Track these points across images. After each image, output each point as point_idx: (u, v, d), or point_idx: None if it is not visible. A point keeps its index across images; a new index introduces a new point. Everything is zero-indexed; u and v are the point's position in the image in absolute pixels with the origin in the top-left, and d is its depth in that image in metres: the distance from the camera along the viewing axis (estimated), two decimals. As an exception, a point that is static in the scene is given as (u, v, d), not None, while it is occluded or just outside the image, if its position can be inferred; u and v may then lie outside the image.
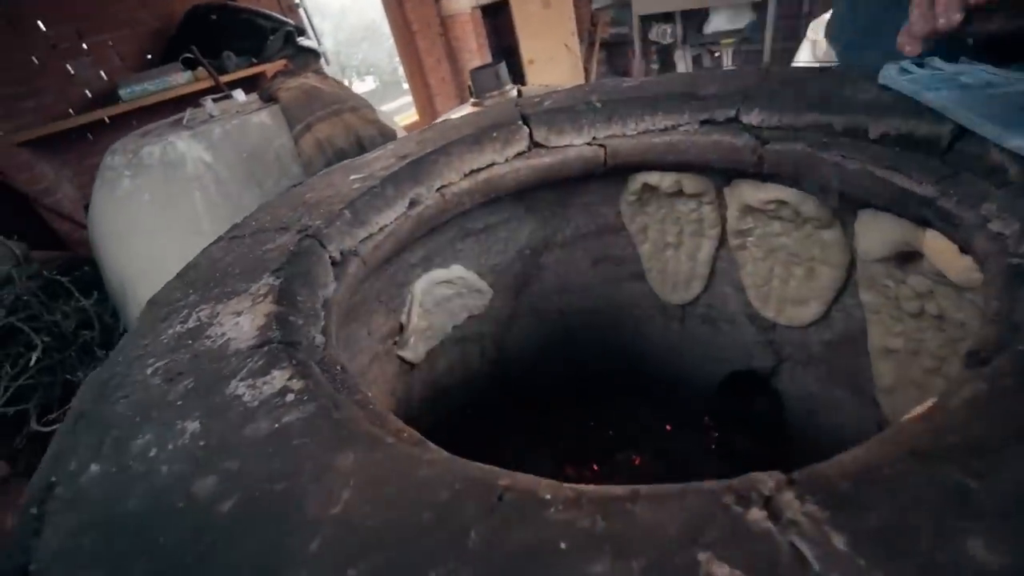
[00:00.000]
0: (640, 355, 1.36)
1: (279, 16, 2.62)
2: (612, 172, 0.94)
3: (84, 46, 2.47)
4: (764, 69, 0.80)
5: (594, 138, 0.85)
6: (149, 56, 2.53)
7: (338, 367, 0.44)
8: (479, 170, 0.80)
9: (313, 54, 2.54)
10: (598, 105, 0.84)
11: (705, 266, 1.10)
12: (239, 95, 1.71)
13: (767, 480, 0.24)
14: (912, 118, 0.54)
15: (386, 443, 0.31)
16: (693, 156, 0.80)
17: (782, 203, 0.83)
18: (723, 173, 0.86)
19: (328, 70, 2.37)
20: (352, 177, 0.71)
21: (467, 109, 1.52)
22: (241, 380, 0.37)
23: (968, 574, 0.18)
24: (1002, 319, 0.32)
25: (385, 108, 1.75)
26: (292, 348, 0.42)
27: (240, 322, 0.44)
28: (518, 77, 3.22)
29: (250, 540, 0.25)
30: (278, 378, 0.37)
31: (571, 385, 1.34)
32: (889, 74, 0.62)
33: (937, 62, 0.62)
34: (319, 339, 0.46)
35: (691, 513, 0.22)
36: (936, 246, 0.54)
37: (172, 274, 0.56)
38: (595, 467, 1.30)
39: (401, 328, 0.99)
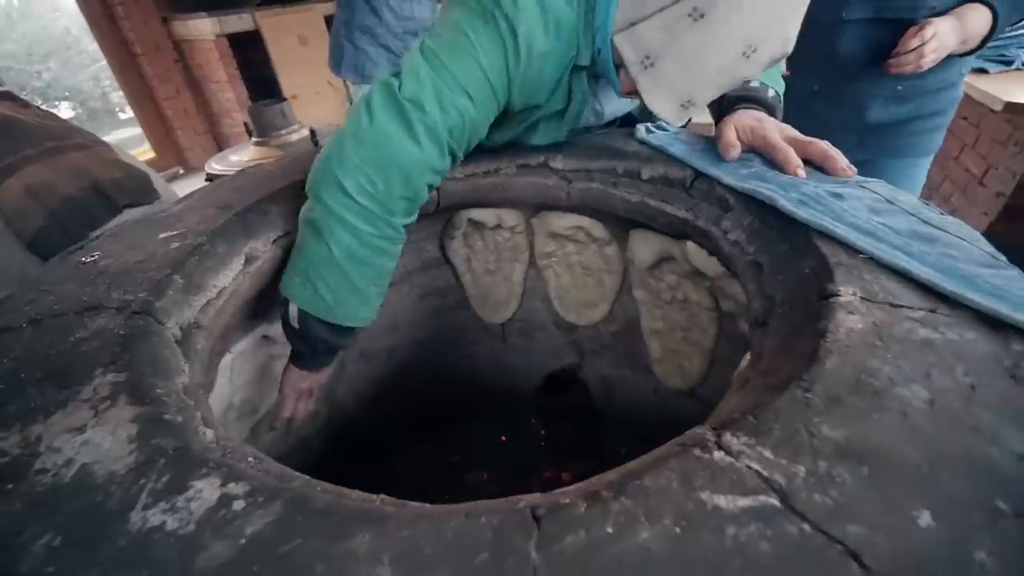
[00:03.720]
0: (471, 377, 1.45)
1: None
2: (441, 211, 1.00)
3: None
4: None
5: (428, 181, 0.90)
6: None
7: (250, 459, 0.37)
8: (316, 217, 0.75)
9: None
10: (426, 151, 0.89)
11: (519, 286, 1.25)
12: None
13: (706, 432, 0.33)
14: (666, 164, 0.77)
15: (386, 512, 0.30)
16: (514, 194, 0.92)
17: (579, 228, 1.04)
18: (533, 207, 1.02)
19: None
20: (163, 235, 0.59)
21: (250, 149, 1.36)
22: (146, 508, 0.29)
23: (828, 446, 0.30)
24: (762, 295, 0.51)
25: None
26: (191, 452, 0.34)
27: (92, 439, 0.33)
28: (281, 112, 2.98)
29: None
30: (207, 489, 0.30)
31: (409, 421, 1.34)
32: (641, 133, 0.87)
33: (666, 125, 0.90)
34: (209, 434, 0.38)
35: (682, 468, 0.30)
36: (694, 252, 0.78)
37: None
38: (447, 497, 1.32)
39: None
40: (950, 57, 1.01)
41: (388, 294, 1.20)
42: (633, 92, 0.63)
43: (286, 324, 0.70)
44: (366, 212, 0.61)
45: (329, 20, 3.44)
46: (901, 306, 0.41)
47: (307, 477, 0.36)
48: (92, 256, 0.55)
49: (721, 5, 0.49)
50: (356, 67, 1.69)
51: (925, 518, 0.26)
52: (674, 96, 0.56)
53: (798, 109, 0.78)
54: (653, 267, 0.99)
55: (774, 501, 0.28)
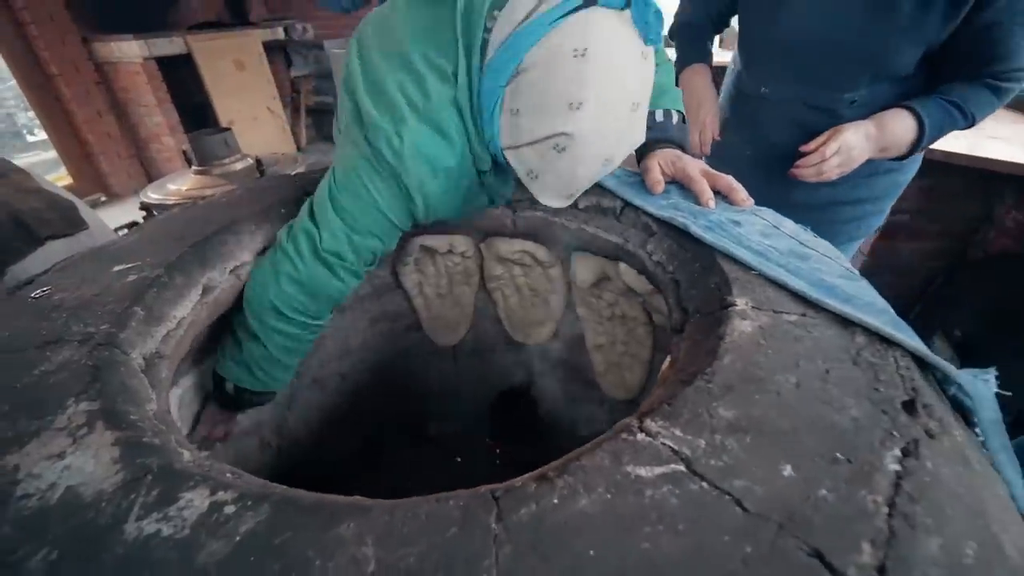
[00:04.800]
0: (424, 399, 1.47)
1: None
2: (392, 238, 1.05)
3: None
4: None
5: (381, 211, 0.94)
6: None
7: (228, 474, 0.40)
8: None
9: None
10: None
11: (469, 308, 1.31)
12: None
13: (632, 420, 0.41)
14: (599, 195, 0.87)
15: (367, 504, 0.34)
16: (464, 223, 0.99)
17: (525, 252, 1.11)
18: (482, 233, 1.09)
19: None
20: (117, 268, 0.59)
21: (191, 178, 1.33)
22: (140, 519, 0.32)
23: (723, 423, 0.38)
24: (680, 307, 0.61)
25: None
26: (175, 469, 0.37)
27: (73, 464, 0.35)
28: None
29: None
30: (197, 498, 0.33)
31: (362, 446, 1.34)
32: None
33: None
34: (187, 454, 0.41)
35: (613, 449, 0.37)
36: (626, 271, 0.88)
37: None
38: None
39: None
40: None
41: (340, 319, 1.22)
42: None
43: (222, 394, 0.80)
44: (299, 323, 0.75)
45: (267, 45, 3.41)
46: (781, 312, 0.51)
47: (285, 487, 0.40)
48: (43, 291, 0.55)
49: (576, 141, 0.58)
50: None
51: (788, 470, 0.34)
52: (558, 195, 0.67)
53: (734, 172, 0.80)
54: (593, 286, 1.08)
55: (681, 468, 0.35)
